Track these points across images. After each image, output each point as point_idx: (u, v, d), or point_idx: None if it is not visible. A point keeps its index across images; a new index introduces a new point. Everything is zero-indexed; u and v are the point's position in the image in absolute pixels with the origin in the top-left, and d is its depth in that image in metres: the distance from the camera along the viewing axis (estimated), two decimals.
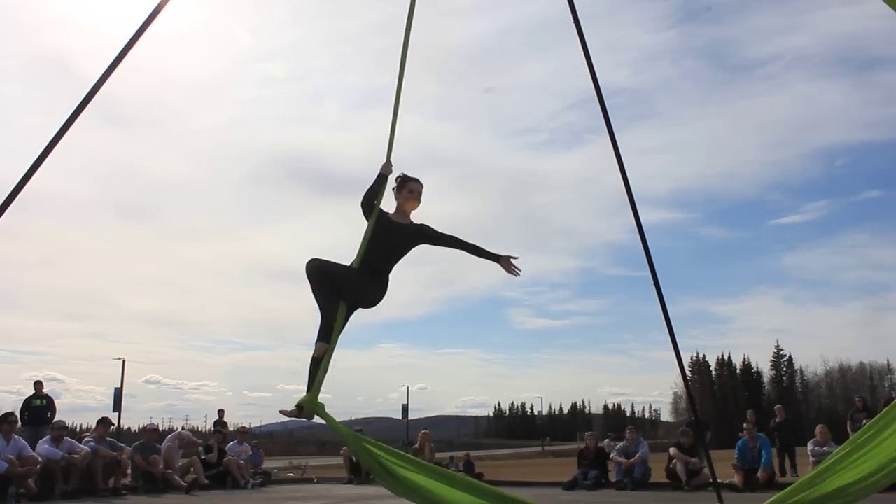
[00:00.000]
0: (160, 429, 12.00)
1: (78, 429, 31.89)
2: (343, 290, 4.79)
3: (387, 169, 5.18)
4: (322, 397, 4.86)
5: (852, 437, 4.39)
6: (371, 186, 5.09)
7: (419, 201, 5.11)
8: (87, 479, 10.16)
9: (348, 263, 4.89)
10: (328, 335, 4.71)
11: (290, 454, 49.31)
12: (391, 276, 4.99)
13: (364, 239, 4.94)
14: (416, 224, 5.07)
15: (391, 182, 5.17)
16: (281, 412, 4.71)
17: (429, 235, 5.01)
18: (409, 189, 5.07)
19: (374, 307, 5.01)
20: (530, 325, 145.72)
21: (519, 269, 4.94)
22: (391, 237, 4.96)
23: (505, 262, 4.90)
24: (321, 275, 4.76)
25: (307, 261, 4.79)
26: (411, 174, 5.22)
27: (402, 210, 5.09)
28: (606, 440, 13.59)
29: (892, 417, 4.20)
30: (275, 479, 14.29)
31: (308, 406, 4.57)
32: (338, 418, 5.20)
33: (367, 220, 5.04)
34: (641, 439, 12.44)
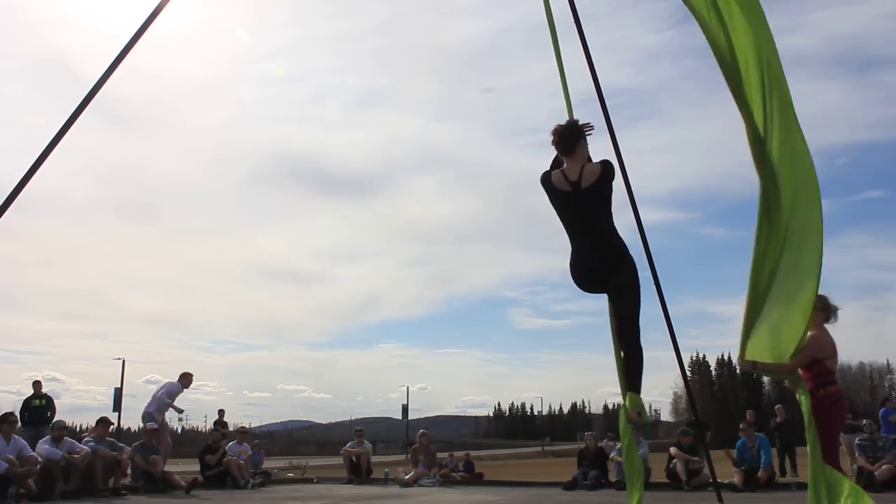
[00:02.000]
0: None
1: (78, 429, 31.88)
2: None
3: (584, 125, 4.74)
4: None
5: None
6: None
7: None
8: (87, 479, 10.17)
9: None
10: None
11: (290, 454, 49.29)
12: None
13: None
14: (597, 164, 4.53)
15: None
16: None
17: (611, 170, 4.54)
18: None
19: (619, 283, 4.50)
20: (530, 325, 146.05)
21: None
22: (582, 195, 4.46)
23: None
24: None
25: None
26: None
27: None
28: (606, 440, 13.59)
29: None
30: (275, 479, 14.28)
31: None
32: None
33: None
34: (641, 439, 12.43)
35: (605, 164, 4.47)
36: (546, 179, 4.55)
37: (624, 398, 4.45)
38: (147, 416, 11.92)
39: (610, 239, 4.48)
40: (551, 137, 4.57)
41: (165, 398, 12.00)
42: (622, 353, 4.54)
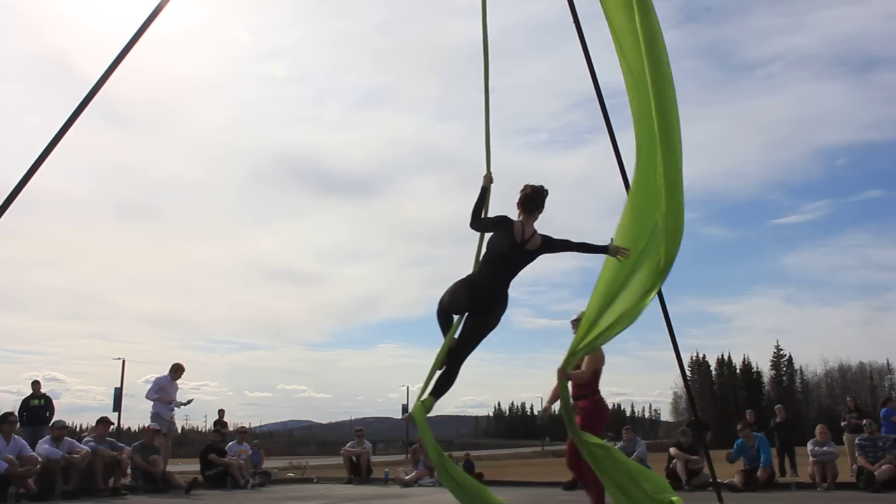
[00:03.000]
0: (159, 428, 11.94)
1: (78, 429, 31.89)
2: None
3: (488, 181, 5.45)
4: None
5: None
6: (476, 203, 5.31)
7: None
8: (87, 479, 10.15)
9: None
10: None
11: (290, 454, 49.29)
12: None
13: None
14: (541, 235, 5.10)
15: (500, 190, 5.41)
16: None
17: (551, 245, 5.09)
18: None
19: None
20: (530, 325, 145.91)
21: (627, 251, 5.01)
22: (522, 253, 5.08)
23: (613, 251, 5.00)
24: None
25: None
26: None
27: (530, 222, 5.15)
28: (605, 440, 13.59)
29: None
30: (275, 479, 14.29)
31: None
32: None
33: (480, 231, 5.30)
34: (638, 439, 12.45)
35: (545, 239, 5.04)
36: (509, 223, 5.06)
37: (421, 395, 4.98)
38: (152, 416, 11.90)
39: (507, 290, 5.14)
40: (524, 190, 5.12)
41: (153, 394, 11.91)
42: (445, 368, 5.07)
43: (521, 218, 5.12)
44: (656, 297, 7.61)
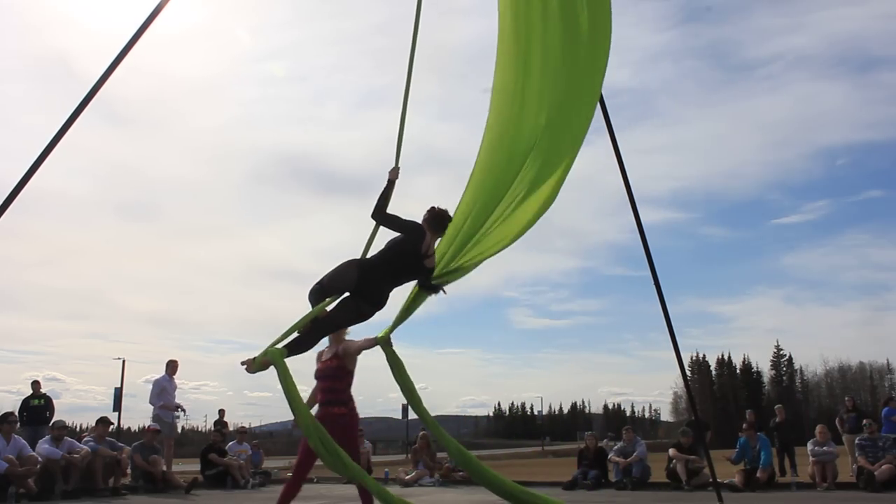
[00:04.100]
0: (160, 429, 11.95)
1: (78, 428, 31.90)
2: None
3: (395, 174, 5.38)
4: None
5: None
6: (383, 196, 5.30)
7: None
8: (87, 479, 10.16)
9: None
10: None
11: (290, 454, 49.21)
12: None
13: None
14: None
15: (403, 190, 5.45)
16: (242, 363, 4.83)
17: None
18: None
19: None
20: (530, 324, 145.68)
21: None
22: (420, 266, 5.23)
23: None
24: None
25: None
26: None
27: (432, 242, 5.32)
28: (606, 440, 13.61)
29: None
30: (275, 479, 14.27)
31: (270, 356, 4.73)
32: None
33: (385, 226, 5.30)
34: (638, 439, 12.44)
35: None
36: (423, 234, 5.18)
37: (275, 344, 4.82)
38: (153, 418, 11.92)
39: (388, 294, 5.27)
40: (433, 211, 5.25)
41: (157, 400, 11.96)
42: (304, 334, 4.98)
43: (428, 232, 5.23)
44: (656, 296, 7.64)
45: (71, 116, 5.43)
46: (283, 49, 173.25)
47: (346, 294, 5.09)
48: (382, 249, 5.23)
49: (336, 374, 5.29)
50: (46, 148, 5.35)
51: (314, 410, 5.24)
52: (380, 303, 5.15)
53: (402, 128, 5.75)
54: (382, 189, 5.34)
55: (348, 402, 5.33)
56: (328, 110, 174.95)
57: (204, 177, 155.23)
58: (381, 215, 5.27)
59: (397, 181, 5.40)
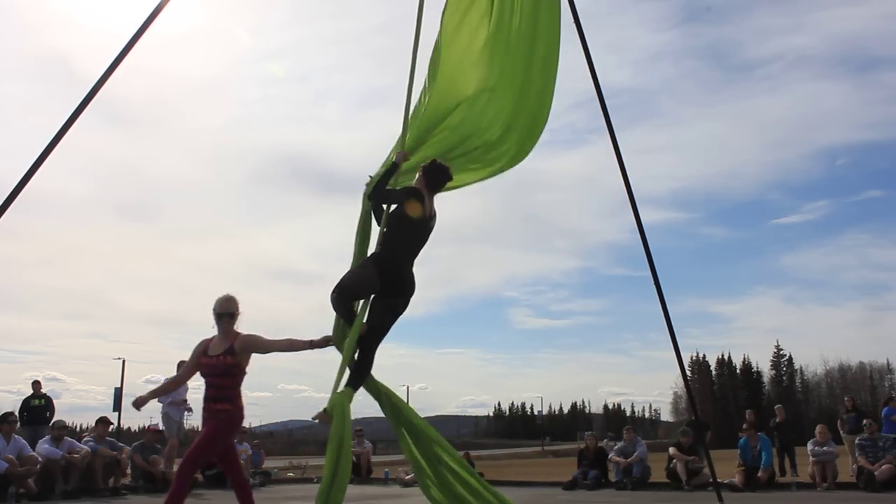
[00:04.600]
0: (161, 428, 11.95)
1: (78, 428, 31.92)
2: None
3: (403, 158, 5.17)
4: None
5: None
6: (385, 177, 5.01)
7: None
8: (87, 479, 10.16)
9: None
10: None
11: (290, 454, 49.27)
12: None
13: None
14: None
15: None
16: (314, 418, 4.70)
17: None
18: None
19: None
20: (530, 324, 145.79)
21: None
22: (428, 229, 4.97)
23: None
24: None
25: None
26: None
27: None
28: (606, 440, 13.60)
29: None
30: (275, 479, 14.27)
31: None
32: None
33: (383, 202, 5.02)
34: (639, 439, 12.44)
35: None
36: (421, 196, 4.85)
37: (336, 388, 4.65)
38: (163, 418, 11.89)
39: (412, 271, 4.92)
40: (431, 164, 4.98)
41: (166, 398, 11.93)
42: (357, 355, 4.81)
43: (424, 193, 4.92)
44: (656, 296, 7.63)
45: (71, 116, 5.43)
46: (283, 49, 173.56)
47: (374, 297, 4.83)
48: (386, 233, 4.94)
49: (228, 372, 4.84)
50: (46, 148, 5.35)
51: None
52: (409, 289, 4.85)
53: (408, 110, 5.70)
54: (385, 170, 5.08)
55: (235, 399, 4.88)
56: (328, 110, 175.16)
57: (204, 177, 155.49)
58: (383, 194, 4.95)
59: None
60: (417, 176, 5.01)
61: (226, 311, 4.94)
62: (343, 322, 4.86)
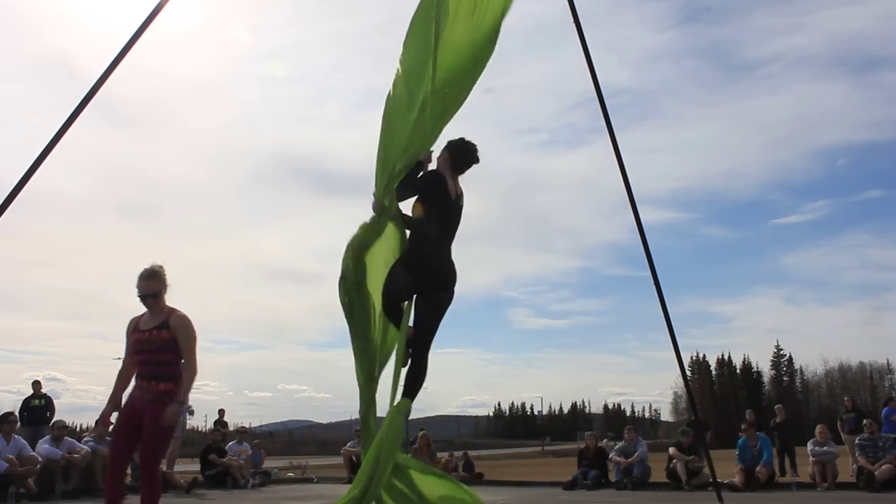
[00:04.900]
0: None
1: (78, 428, 31.85)
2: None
3: (428, 157, 4.82)
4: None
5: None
6: (410, 176, 4.69)
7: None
8: (87, 479, 10.16)
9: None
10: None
11: (290, 454, 49.30)
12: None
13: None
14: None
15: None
16: None
17: None
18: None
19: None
20: (530, 324, 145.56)
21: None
22: (458, 212, 4.71)
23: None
24: None
25: None
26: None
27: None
28: (606, 440, 13.61)
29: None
30: (275, 479, 14.29)
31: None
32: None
33: (421, 193, 4.68)
34: (640, 439, 12.44)
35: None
36: (444, 180, 4.61)
37: (392, 400, 4.46)
38: None
39: (451, 258, 4.65)
40: (458, 143, 4.68)
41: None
42: (410, 361, 4.56)
43: (448, 174, 4.64)
44: (656, 296, 7.63)
45: (71, 116, 5.43)
46: (283, 49, 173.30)
47: (416, 298, 4.61)
48: (411, 230, 4.69)
49: (166, 348, 4.50)
50: (46, 148, 5.35)
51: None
52: (448, 282, 4.58)
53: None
54: (409, 170, 4.71)
55: (178, 378, 4.53)
56: (328, 110, 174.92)
57: (204, 177, 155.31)
58: (409, 188, 4.66)
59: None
60: (444, 155, 4.71)
61: (149, 292, 4.61)
62: (391, 325, 4.68)
